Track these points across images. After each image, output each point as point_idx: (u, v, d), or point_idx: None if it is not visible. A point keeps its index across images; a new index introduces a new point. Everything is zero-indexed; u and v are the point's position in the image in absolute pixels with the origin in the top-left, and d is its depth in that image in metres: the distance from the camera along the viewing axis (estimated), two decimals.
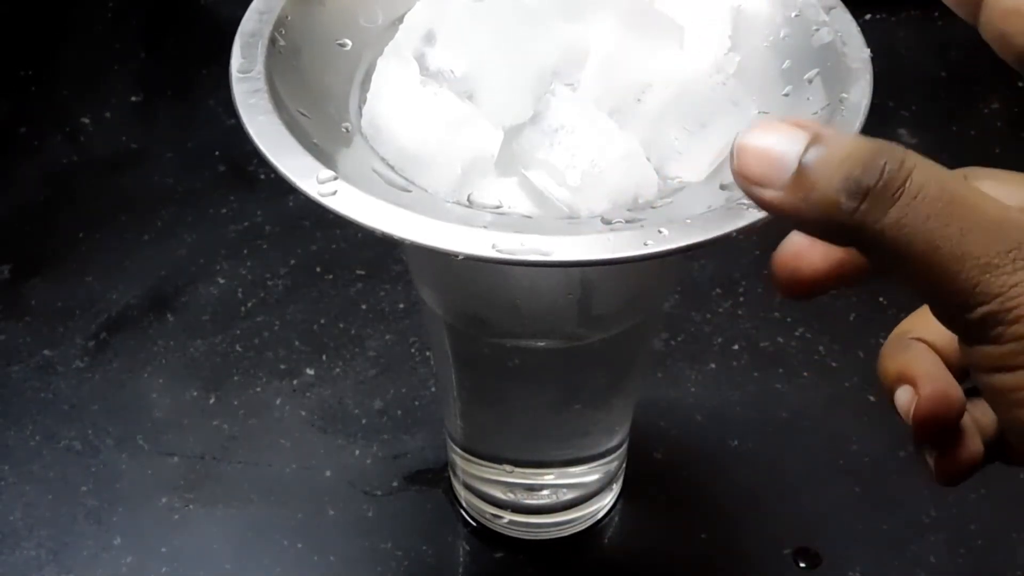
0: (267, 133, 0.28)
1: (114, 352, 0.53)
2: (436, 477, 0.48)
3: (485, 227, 0.26)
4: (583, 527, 0.46)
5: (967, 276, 0.22)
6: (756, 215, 0.26)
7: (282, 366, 0.52)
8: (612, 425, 0.43)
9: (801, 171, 0.23)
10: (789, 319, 0.53)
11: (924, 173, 0.23)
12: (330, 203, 0.26)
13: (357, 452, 0.49)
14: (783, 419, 0.50)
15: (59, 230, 0.58)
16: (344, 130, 0.31)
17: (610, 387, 0.41)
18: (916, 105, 0.64)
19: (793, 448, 0.49)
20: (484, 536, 0.46)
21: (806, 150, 0.23)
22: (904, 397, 0.28)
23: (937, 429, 0.28)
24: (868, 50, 0.31)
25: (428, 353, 0.52)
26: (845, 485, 0.48)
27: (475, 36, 0.30)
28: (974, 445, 0.29)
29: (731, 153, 0.24)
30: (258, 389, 0.51)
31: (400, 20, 0.32)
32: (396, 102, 0.30)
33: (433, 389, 0.51)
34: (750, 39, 0.33)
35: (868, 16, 0.68)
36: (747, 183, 0.24)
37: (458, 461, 0.45)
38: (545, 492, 0.44)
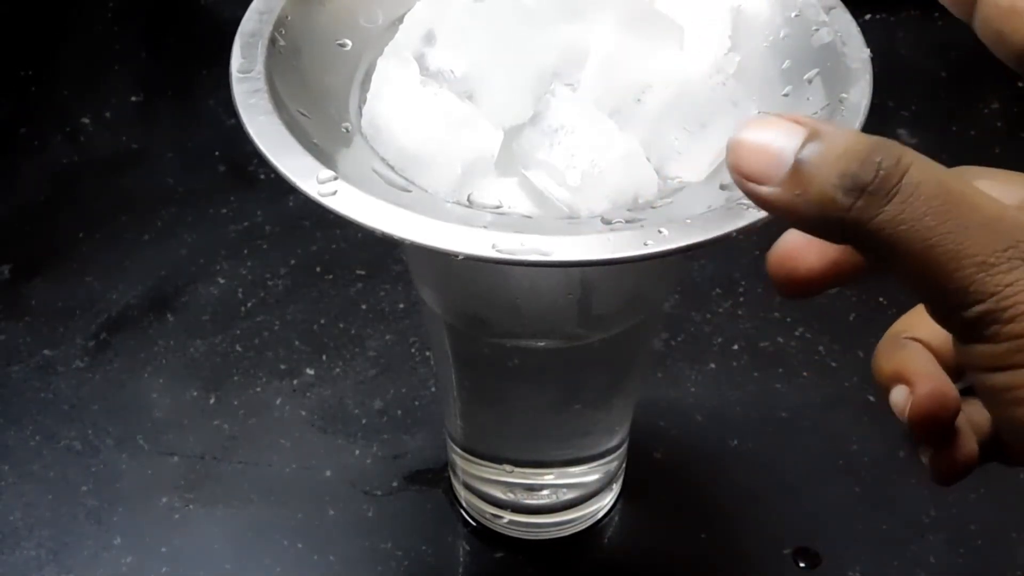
0: (267, 133, 0.28)
1: (114, 352, 0.53)
2: (436, 477, 0.48)
3: (485, 227, 0.26)
4: (583, 527, 0.46)
5: (963, 274, 0.22)
6: (756, 215, 0.26)
7: (282, 366, 0.52)
8: (612, 425, 0.43)
9: (797, 167, 0.23)
10: (789, 319, 0.53)
11: (920, 170, 0.22)
12: (330, 203, 0.26)
13: (357, 452, 0.49)
14: (783, 419, 0.50)
15: (59, 230, 0.58)
16: (344, 130, 0.31)
17: (610, 387, 0.41)
18: (916, 105, 0.64)
19: (793, 448, 0.49)
20: (484, 536, 0.46)
21: (802, 146, 0.23)
22: (899, 397, 0.28)
23: (933, 429, 0.28)
24: (868, 50, 0.31)
25: (428, 353, 0.52)
26: (845, 485, 0.48)
27: (475, 36, 0.30)
28: (969, 445, 0.29)
29: (727, 149, 0.24)
30: (258, 389, 0.51)
31: (400, 20, 0.32)
32: (396, 102, 0.30)
33: (433, 389, 0.51)
34: (750, 39, 0.33)
35: (868, 16, 0.67)
36: (743, 179, 0.24)
37: (458, 461, 0.45)
38: (545, 492, 0.44)
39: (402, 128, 0.30)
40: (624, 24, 0.31)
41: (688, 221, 0.26)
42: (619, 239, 0.26)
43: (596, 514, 0.47)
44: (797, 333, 0.53)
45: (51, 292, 0.55)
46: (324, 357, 0.52)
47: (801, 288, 0.29)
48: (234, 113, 0.29)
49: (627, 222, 0.27)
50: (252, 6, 0.32)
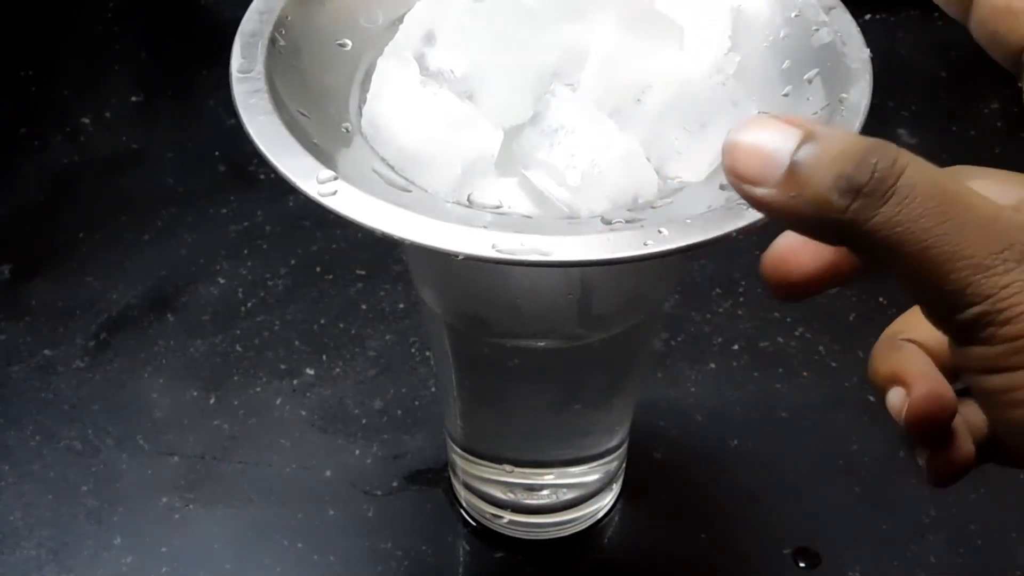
0: (267, 133, 0.28)
1: (114, 352, 0.53)
2: (436, 477, 0.48)
3: (485, 227, 0.26)
4: (583, 527, 0.46)
5: (958, 276, 0.22)
6: (756, 215, 0.26)
7: (282, 366, 0.52)
8: (612, 425, 0.43)
9: (793, 169, 0.23)
10: (789, 319, 0.53)
11: (916, 171, 0.22)
12: (330, 203, 0.26)
13: (357, 452, 0.49)
14: (783, 419, 0.50)
15: (59, 230, 0.58)
16: (344, 130, 0.31)
17: (610, 387, 0.41)
18: (916, 105, 0.64)
19: (793, 448, 0.49)
20: (484, 536, 0.46)
21: (798, 147, 0.23)
22: (896, 398, 0.28)
23: (929, 430, 0.28)
24: (868, 50, 0.31)
25: (428, 353, 0.52)
26: (845, 485, 0.48)
27: (475, 36, 0.30)
28: (966, 446, 0.29)
29: (723, 151, 0.24)
30: (258, 389, 0.51)
31: (400, 20, 0.32)
32: (396, 102, 0.30)
33: (433, 389, 0.51)
34: (750, 39, 0.33)
35: (868, 16, 0.68)
36: (739, 181, 0.24)
37: (458, 461, 0.45)
38: (545, 492, 0.44)
39: (402, 128, 0.30)
40: (624, 24, 0.31)
41: (688, 221, 0.26)
42: (619, 239, 0.26)
43: (596, 514, 0.47)
44: (797, 333, 0.53)
45: (51, 292, 0.55)
46: (324, 357, 0.52)
47: (795, 291, 0.29)
48: (234, 113, 0.29)
49: (627, 222, 0.27)
50: (252, 6, 0.32)
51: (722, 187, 0.29)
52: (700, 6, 0.32)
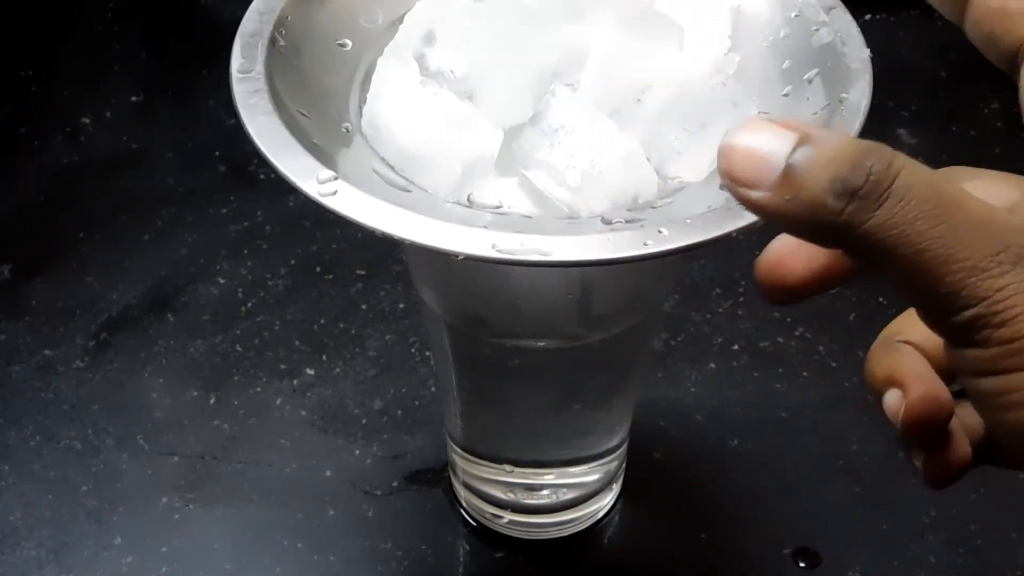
0: (267, 133, 0.28)
1: (114, 352, 0.53)
2: (436, 477, 0.48)
3: (485, 227, 0.26)
4: (583, 527, 0.46)
5: (953, 279, 0.22)
6: (756, 215, 0.26)
7: (282, 366, 0.52)
8: (612, 425, 0.43)
9: (788, 171, 0.23)
10: (789, 319, 0.53)
11: (911, 174, 0.22)
12: (330, 203, 0.27)
13: (357, 452, 0.49)
14: (783, 419, 0.50)
15: (59, 230, 0.58)
16: (344, 130, 0.31)
17: (610, 387, 0.41)
18: (916, 105, 0.64)
19: (793, 448, 0.49)
20: (484, 536, 0.46)
21: (793, 150, 0.23)
22: (892, 400, 0.28)
23: (926, 432, 0.28)
24: (868, 50, 0.31)
25: (428, 353, 0.52)
26: (845, 485, 0.48)
27: (475, 36, 0.30)
28: (962, 448, 0.29)
29: (718, 154, 0.24)
30: (258, 389, 0.51)
31: (400, 20, 0.32)
32: (396, 102, 0.30)
33: (433, 389, 0.51)
34: (750, 39, 0.33)
35: (868, 16, 0.68)
36: (734, 184, 0.24)
37: (458, 461, 0.45)
38: (545, 492, 0.44)
39: (402, 128, 0.30)
40: (624, 24, 0.31)
41: (688, 221, 0.26)
42: (619, 239, 0.26)
43: (596, 514, 0.47)
44: (797, 333, 0.53)
45: (51, 292, 0.55)
46: (324, 357, 0.52)
47: (790, 295, 0.29)
48: (234, 113, 0.29)
49: (627, 222, 0.27)
50: (252, 6, 0.32)
51: (722, 187, 0.29)
52: (700, 6, 0.32)
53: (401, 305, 0.54)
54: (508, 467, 0.43)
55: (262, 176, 0.60)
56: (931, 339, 0.29)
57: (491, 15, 0.30)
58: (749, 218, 0.26)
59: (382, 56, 0.31)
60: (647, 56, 0.31)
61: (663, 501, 0.48)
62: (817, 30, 0.32)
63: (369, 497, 0.47)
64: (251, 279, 0.56)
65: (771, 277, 0.29)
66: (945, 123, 0.64)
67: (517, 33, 0.30)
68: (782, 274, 0.29)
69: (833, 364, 0.52)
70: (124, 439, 0.49)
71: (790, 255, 0.28)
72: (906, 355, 0.29)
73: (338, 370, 0.52)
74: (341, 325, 0.54)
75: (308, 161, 0.27)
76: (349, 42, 0.33)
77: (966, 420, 0.29)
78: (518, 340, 0.37)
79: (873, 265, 0.23)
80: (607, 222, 0.27)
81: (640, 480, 0.48)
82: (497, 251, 0.25)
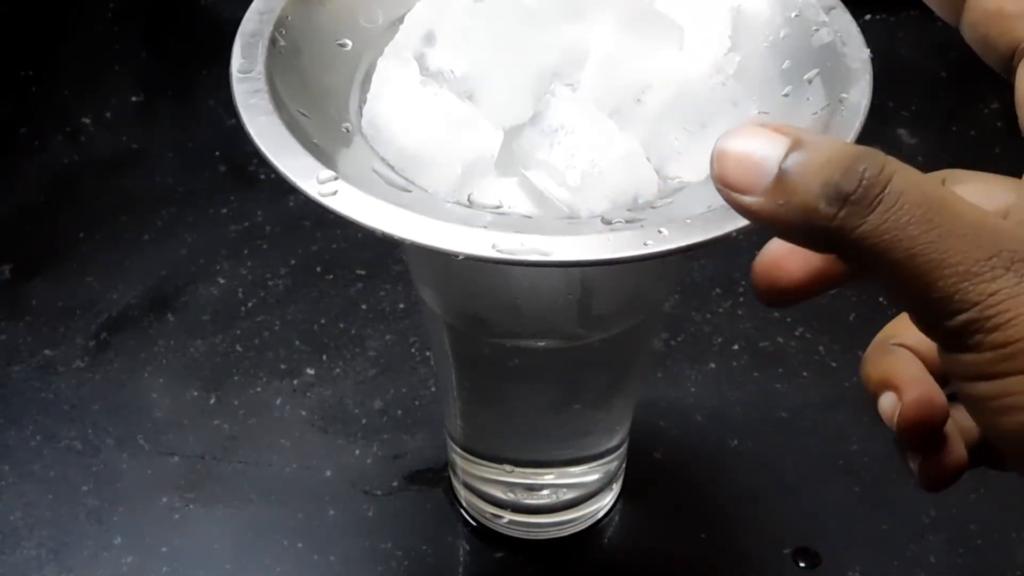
0: (267, 133, 0.28)
1: (115, 352, 0.53)
2: (436, 477, 0.48)
3: (485, 227, 0.26)
4: (583, 527, 0.46)
5: (946, 283, 0.22)
6: (749, 220, 0.26)
7: (282, 366, 0.52)
8: (612, 425, 0.43)
9: (781, 177, 0.23)
10: (789, 319, 0.53)
11: (903, 179, 0.22)
12: (330, 203, 0.27)
13: (357, 452, 0.49)
14: (783, 419, 0.50)
15: (60, 230, 0.58)
16: (344, 130, 0.31)
17: (610, 387, 0.41)
18: (916, 105, 0.64)
19: (793, 448, 0.49)
20: (484, 536, 0.46)
21: (786, 155, 0.23)
22: (888, 403, 0.28)
23: (921, 435, 0.28)
24: (868, 50, 0.31)
25: (428, 353, 0.52)
26: (845, 485, 0.48)
27: (475, 36, 0.30)
28: (958, 450, 0.29)
29: (711, 159, 0.24)
30: (258, 389, 0.51)
31: (400, 20, 0.32)
32: (396, 102, 0.30)
33: (433, 389, 0.51)
34: (750, 39, 0.33)
35: (868, 16, 0.68)
36: (727, 189, 0.24)
37: (458, 461, 0.45)
38: (545, 492, 0.44)
39: (402, 128, 0.30)
40: (624, 24, 0.31)
41: (688, 221, 0.26)
42: (619, 239, 0.26)
43: (596, 514, 0.47)
44: (797, 333, 0.53)
45: (51, 292, 0.55)
46: (324, 357, 0.52)
47: (785, 297, 0.29)
48: (234, 113, 0.29)
49: (627, 222, 0.27)
50: (252, 6, 0.32)
51: None
52: (700, 6, 0.32)
53: (401, 305, 0.54)
54: (508, 467, 0.43)
55: (262, 176, 0.60)
56: (926, 342, 0.28)
57: (491, 15, 0.30)
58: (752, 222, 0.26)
59: (382, 56, 0.31)
60: (647, 56, 0.31)
61: (663, 501, 0.48)
62: (817, 30, 0.32)
63: (369, 497, 0.47)
64: (251, 279, 0.56)
65: (767, 279, 0.29)
66: (945, 123, 0.64)
67: (517, 33, 0.30)
68: (778, 276, 0.29)
69: (833, 364, 0.52)
70: (124, 439, 0.49)
71: (786, 257, 0.28)
72: (901, 358, 0.29)
73: (338, 370, 0.52)
74: (341, 325, 0.54)
75: (308, 161, 0.27)
76: (349, 42, 0.33)
77: (961, 422, 0.29)
78: (518, 340, 0.37)
79: (865, 270, 0.23)
80: (607, 222, 0.27)
81: (640, 480, 0.48)
82: (497, 251, 0.25)
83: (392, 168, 0.30)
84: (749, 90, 0.31)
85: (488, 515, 0.46)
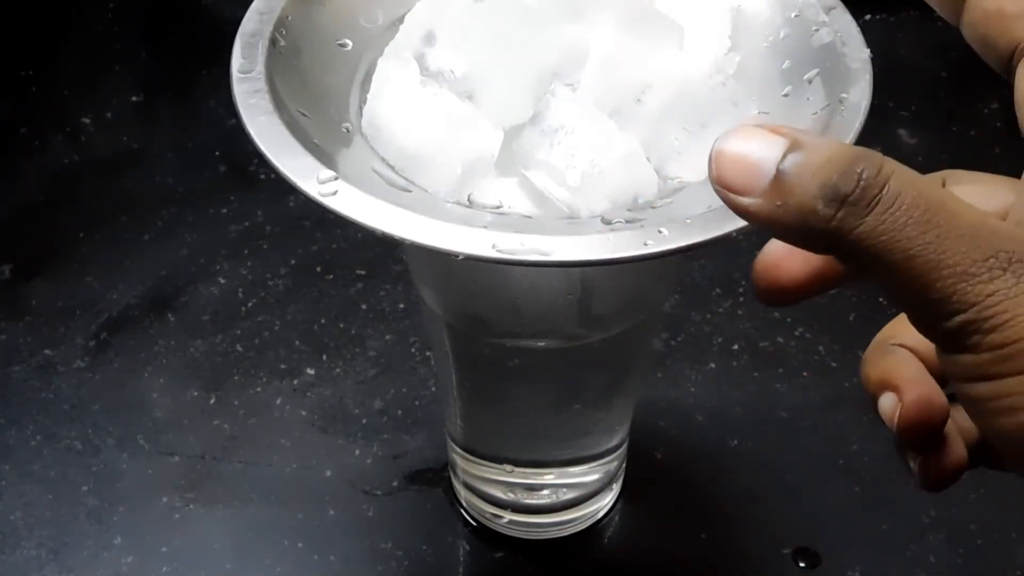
0: (268, 133, 0.28)
1: (115, 352, 0.53)
2: (436, 477, 0.48)
3: (485, 227, 0.26)
4: (583, 527, 0.46)
5: (944, 284, 0.22)
6: (747, 221, 0.26)
7: (282, 366, 0.52)
8: (612, 425, 0.43)
9: (778, 178, 0.23)
10: (789, 319, 0.53)
11: (901, 180, 0.22)
12: (330, 203, 0.27)
13: (357, 452, 0.49)
14: (783, 419, 0.50)
15: (60, 230, 0.58)
16: (344, 130, 0.31)
17: (610, 387, 0.41)
18: (916, 105, 0.64)
19: (793, 448, 0.49)
20: (484, 536, 0.46)
21: (784, 156, 0.23)
22: (888, 404, 0.28)
23: (921, 435, 0.28)
24: (868, 50, 0.31)
25: (428, 353, 0.52)
26: (845, 485, 0.48)
27: (475, 36, 0.30)
28: (958, 450, 0.29)
29: (708, 160, 0.24)
30: (258, 389, 0.51)
31: (400, 20, 0.32)
32: (396, 102, 0.30)
33: (433, 389, 0.51)
34: (750, 39, 0.33)
35: (868, 16, 0.68)
36: (724, 190, 0.24)
37: (458, 461, 0.45)
38: (545, 492, 0.44)
39: (402, 128, 0.30)
40: (624, 24, 0.31)
41: (688, 221, 0.26)
42: (619, 239, 0.26)
43: (596, 514, 0.47)
44: (797, 333, 0.53)
45: (51, 292, 0.55)
46: (324, 357, 0.52)
47: (785, 297, 0.29)
48: (234, 113, 0.29)
49: (627, 222, 0.27)
50: (252, 6, 0.32)
51: None
52: (700, 6, 0.32)
53: (401, 305, 0.54)
54: (508, 467, 0.43)
55: (262, 176, 0.60)
56: (926, 342, 0.28)
57: (491, 15, 0.30)
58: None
59: (382, 56, 0.31)
60: (647, 56, 0.31)
61: (663, 501, 0.48)
62: (817, 30, 0.32)
63: (369, 497, 0.47)
64: (251, 279, 0.56)
65: (767, 279, 0.29)
66: (945, 123, 0.64)
67: (517, 33, 0.30)
68: (778, 276, 0.29)
69: (833, 364, 0.52)
70: (124, 439, 0.49)
71: (786, 257, 0.28)
72: (901, 358, 0.29)
73: (338, 370, 0.52)
74: (341, 325, 0.54)
75: (308, 161, 0.27)
76: (349, 42, 0.33)
77: (961, 422, 0.29)
78: (518, 340, 0.37)
79: (863, 271, 0.23)
80: (607, 222, 0.27)
81: (640, 480, 0.48)
82: (497, 251, 0.25)
83: (392, 168, 0.30)
84: (749, 90, 0.31)
85: (488, 515, 0.46)
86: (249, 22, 0.31)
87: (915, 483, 0.29)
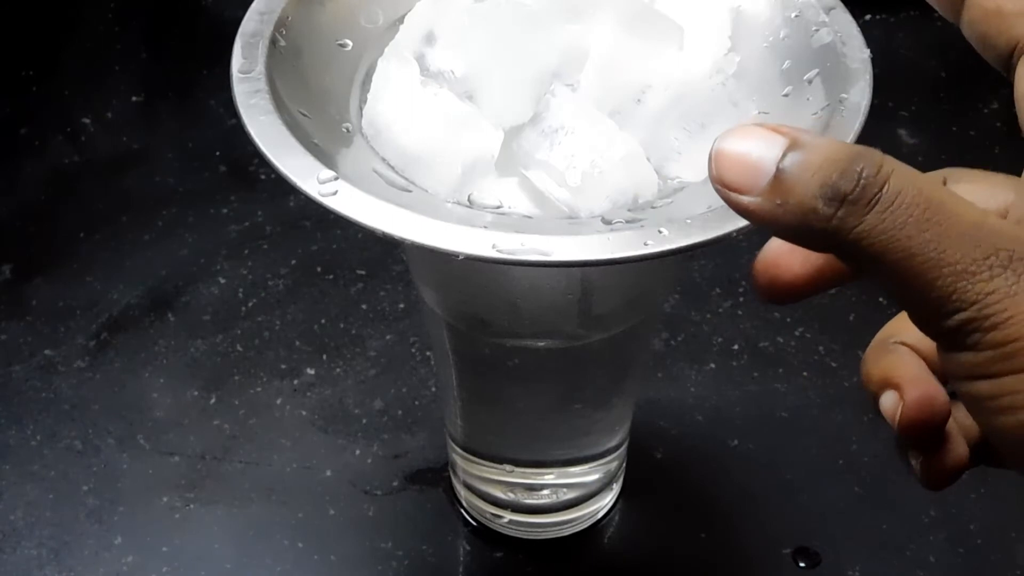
0: (268, 133, 0.28)
1: (115, 352, 0.53)
2: (436, 477, 0.48)
3: (485, 227, 0.26)
4: (583, 527, 0.46)
5: (944, 283, 0.22)
6: (747, 221, 0.26)
7: (283, 366, 0.52)
8: (612, 425, 0.43)
9: (778, 177, 0.23)
10: (789, 319, 0.53)
11: (901, 179, 0.22)
12: (331, 203, 0.27)
13: (357, 452, 0.49)
14: (783, 419, 0.50)
15: (60, 230, 0.58)
16: (345, 130, 0.31)
17: (610, 387, 0.41)
18: (916, 105, 0.64)
19: (793, 448, 0.49)
20: (484, 536, 0.46)
21: (783, 155, 0.23)
22: (889, 402, 0.28)
23: (923, 434, 0.28)
24: (868, 50, 0.31)
25: (428, 353, 0.52)
26: (845, 485, 0.48)
27: (475, 37, 0.30)
28: (959, 449, 0.29)
29: (708, 159, 0.24)
30: (259, 389, 0.51)
31: (400, 21, 0.32)
32: (396, 103, 0.30)
33: (433, 389, 0.51)
34: (750, 40, 0.33)
35: (868, 16, 0.68)
36: (724, 189, 0.24)
37: (458, 461, 0.45)
38: (545, 492, 0.45)
39: (402, 128, 0.30)
40: (624, 24, 0.31)
41: (688, 221, 0.26)
42: (619, 239, 0.26)
43: (596, 514, 0.47)
44: (797, 333, 0.53)
45: (52, 292, 0.55)
46: (324, 357, 0.52)
47: (785, 295, 0.29)
48: (235, 113, 0.29)
49: (627, 222, 0.27)
50: (253, 7, 0.32)
51: None
52: (700, 6, 0.32)
53: (401, 305, 0.54)
54: (508, 467, 0.43)
55: (263, 176, 0.60)
56: (927, 340, 0.28)
57: (491, 15, 0.30)
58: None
59: (382, 56, 0.31)
60: (647, 56, 0.31)
61: (663, 501, 0.48)
62: (817, 30, 0.32)
63: (369, 497, 0.47)
64: (251, 279, 0.56)
65: (767, 276, 0.29)
66: (945, 123, 0.64)
67: (517, 33, 0.30)
68: (778, 273, 0.29)
69: (833, 364, 0.52)
70: (125, 439, 0.49)
71: (787, 255, 0.28)
72: (902, 356, 0.29)
73: (338, 370, 0.52)
74: (341, 325, 0.54)
75: (308, 161, 0.27)
76: (349, 42, 0.33)
77: (962, 420, 0.29)
78: (518, 340, 0.37)
79: (864, 270, 0.23)
80: (607, 222, 0.27)
81: (640, 480, 0.48)
82: (497, 251, 0.25)
83: (392, 168, 0.30)
84: (749, 90, 0.31)
85: (488, 515, 0.46)
86: (249, 22, 0.31)
87: (917, 481, 0.29)
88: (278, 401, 0.51)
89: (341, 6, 0.33)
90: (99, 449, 0.49)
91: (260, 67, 0.30)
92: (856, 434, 0.49)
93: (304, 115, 0.30)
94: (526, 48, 0.30)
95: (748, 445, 0.49)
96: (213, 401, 0.51)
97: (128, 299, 0.55)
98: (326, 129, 0.30)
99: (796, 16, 0.32)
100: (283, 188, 0.28)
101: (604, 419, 0.42)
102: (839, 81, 0.30)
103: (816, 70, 0.31)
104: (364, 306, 0.54)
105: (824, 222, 0.23)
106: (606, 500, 0.47)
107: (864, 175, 0.22)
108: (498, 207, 0.29)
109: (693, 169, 0.30)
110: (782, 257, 0.28)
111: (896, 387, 0.28)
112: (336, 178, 0.27)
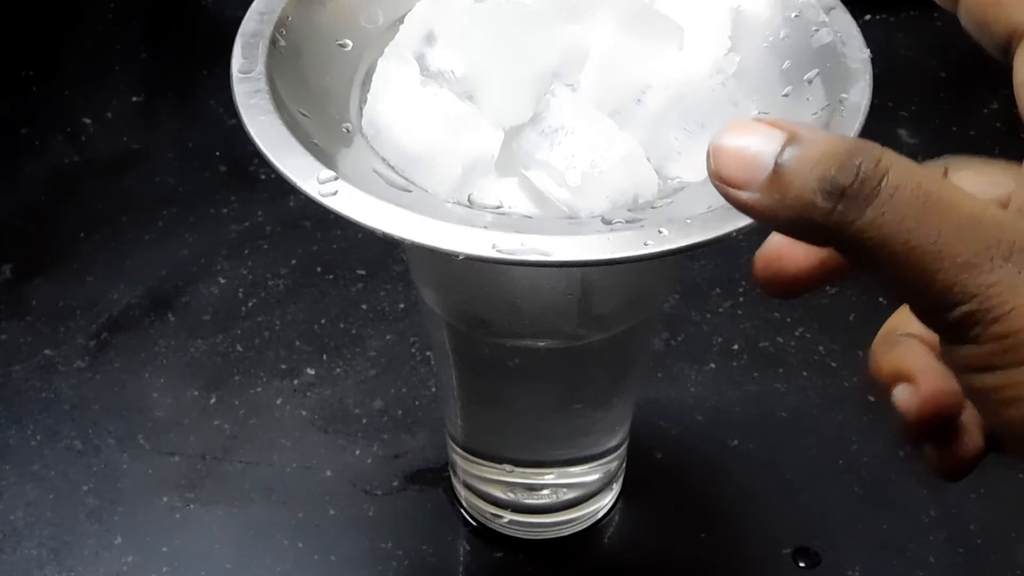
0: (268, 133, 0.28)
1: (115, 352, 0.53)
2: (436, 477, 0.48)
3: (485, 227, 0.26)
4: (583, 527, 0.46)
5: (945, 276, 0.22)
6: (746, 216, 0.26)
7: (283, 366, 0.52)
8: (612, 425, 0.43)
9: (777, 171, 0.23)
10: (789, 319, 0.53)
11: (900, 172, 0.22)
12: (331, 203, 0.27)
13: (358, 452, 0.49)
14: (783, 419, 0.50)
15: (60, 230, 0.58)
16: (345, 130, 0.31)
17: (610, 387, 0.41)
18: (916, 105, 0.64)
19: (793, 448, 0.49)
20: (484, 536, 0.46)
21: (782, 150, 0.23)
22: (904, 395, 0.28)
23: (940, 425, 0.28)
24: (868, 50, 0.31)
25: (428, 353, 0.52)
26: (845, 485, 0.48)
27: (475, 37, 0.30)
28: (975, 438, 0.28)
29: (707, 154, 0.24)
30: (259, 389, 0.51)
31: (400, 21, 0.32)
32: (396, 103, 0.30)
33: (433, 389, 0.51)
34: (750, 39, 0.33)
35: (868, 16, 0.68)
36: (723, 184, 0.23)
37: (458, 461, 0.45)
38: (545, 492, 0.45)
39: (402, 128, 0.30)
40: (624, 24, 0.31)
41: (688, 221, 0.26)
42: (619, 239, 0.26)
43: (596, 514, 0.47)
44: (797, 333, 0.53)
45: (52, 292, 0.55)
46: (324, 357, 0.52)
47: (787, 289, 0.29)
48: (235, 113, 0.29)
49: (627, 222, 0.27)
50: (253, 6, 0.32)
51: None
52: (700, 6, 0.32)
53: (401, 305, 0.54)
54: (508, 467, 0.43)
55: (263, 176, 0.60)
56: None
57: (491, 15, 0.30)
58: (749, 218, 0.26)
59: (382, 56, 0.31)
60: (647, 56, 0.31)
61: (663, 501, 0.48)
62: (817, 30, 0.32)
63: (369, 497, 0.47)
64: (251, 279, 0.56)
65: (769, 271, 0.29)
66: (945, 123, 0.64)
67: (517, 33, 0.30)
68: (780, 267, 0.28)
69: (833, 364, 0.52)
70: (125, 439, 0.49)
71: (789, 249, 0.28)
72: (912, 348, 0.29)
73: (338, 370, 0.52)
74: (341, 325, 0.54)
75: (308, 161, 0.27)
76: (349, 42, 0.33)
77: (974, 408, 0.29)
78: (518, 340, 0.37)
79: (864, 264, 0.23)
80: (607, 222, 0.27)
81: (640, 480, 0.48)
82: (497, 251, 0.25)
83: (392, 168, 0.30)
84: (749, 90, 0.31)
85: (488, 515, 0.46)
86: (249, 22, 0.31)
87: (931, 473, 0.28)
88: (278, 401, 0.51)
89: (341, 6, 0.33)
90: (99, 449, 0.49)
91: (260, 67, 0.30)
92: (856, 434, 0.49)
93: (304, 115, 0.30)
94: (526, 48, 0.30)
95: (748, 445, 0.49)
96: (213, 401, 0.51)
97: (128, 299, 0.55)
98: (326, 129, 0.30)
99: (796, 16, 0.32)
100: (283, 188, 0.28)
101: (604, 419, 0.42)
102: (839, 81, 0.30)
103: (816, 70, 0.31)
104: (364, 306, 0.54)
105: (823, 216, 0.22)
106: (606, 500, 0.47)
107: (863, 169, 0.22)
108: (498, 207, 0.29)
109: (693, 169, 0.30)
110: (783, 251, 0.28)
111: (909, 379, 0.28)
112: (336, 178, 0.27)
